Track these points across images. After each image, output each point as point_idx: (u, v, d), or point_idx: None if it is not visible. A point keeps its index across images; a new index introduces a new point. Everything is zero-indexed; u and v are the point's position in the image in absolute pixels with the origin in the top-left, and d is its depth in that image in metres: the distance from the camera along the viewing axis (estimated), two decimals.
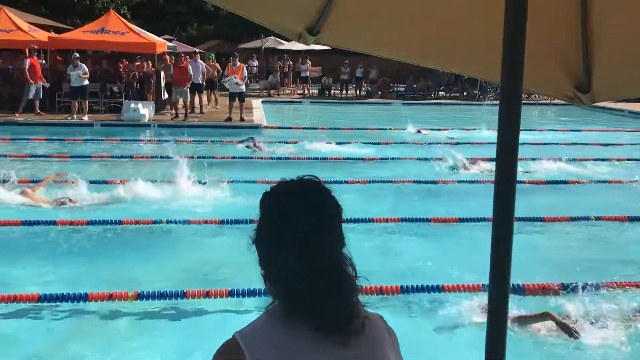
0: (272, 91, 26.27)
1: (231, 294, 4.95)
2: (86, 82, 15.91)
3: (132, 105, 15.61)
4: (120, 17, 19.27)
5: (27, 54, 15.99)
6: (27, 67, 15.87)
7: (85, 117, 15.84)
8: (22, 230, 6.65)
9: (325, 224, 1.24)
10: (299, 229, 1.21)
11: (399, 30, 2.10)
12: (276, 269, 1.23)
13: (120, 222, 6.85)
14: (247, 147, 12.38)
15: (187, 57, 18.49)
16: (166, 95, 18.68)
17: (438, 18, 2.03)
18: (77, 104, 15.84)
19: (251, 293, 4.93)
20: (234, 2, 2.21)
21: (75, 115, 15.84)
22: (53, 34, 19.13)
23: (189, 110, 17.06)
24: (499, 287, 1.58)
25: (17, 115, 15.62)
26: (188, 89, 16.75)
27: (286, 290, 1.20)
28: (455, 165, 10.37)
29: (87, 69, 15.89)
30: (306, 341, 1.17)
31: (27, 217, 6.86)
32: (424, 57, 2.25)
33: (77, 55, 16.23)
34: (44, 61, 18.58)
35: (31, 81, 15.94)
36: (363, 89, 27.00)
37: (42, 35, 18.43)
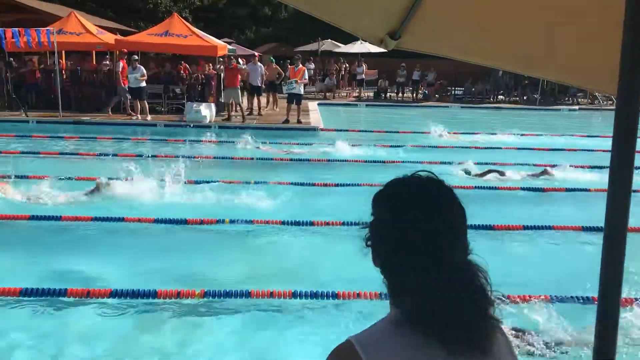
0: (327, 94, 26.36)
1: (294, 295, 5.00)
2: (143, 83, 16.41)
3: (194, 107, 16.00)
4: (183, 21, 19.79)
5: (119, 57, 16.59)
6: (119, 69, 16.52)
7: (149, 117, 16.35)
8: (96, 226, 6.90)
9: (456, 229, 1.14)
10: (427, 235, 1.11)
11: (488, 34, 2.06)
12: (400, 277, 1.13)
13: (185, 222, 7.01)
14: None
15: (245, 60, 18.81)
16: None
17: (531, 21, 1.98)
18: (137, 104, 16.41)
19: (314, 295, 4.97)
20: (317, 7, 2.22)
21: (139, 116, 16.37)
22: (119, 37, 19.83)
23: (245, 112, 17.34)
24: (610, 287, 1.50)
25: (109, 114, 16.37)
26: (239, 90, 17.08)
27: (412, 300, 1.10)
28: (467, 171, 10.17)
29: (144, 71, 16.38)
30: (430, 355, 1.08)
31: (99, 213, 7.12)
32: (516, 63, 2.20)
33: (136, 57, 16.76)
34: (107, 62, 19.30)
35: (123, 83, 16.60)
36: (420, 92, 26.75)
37: (109, 38, 19.13)
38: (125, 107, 16.95)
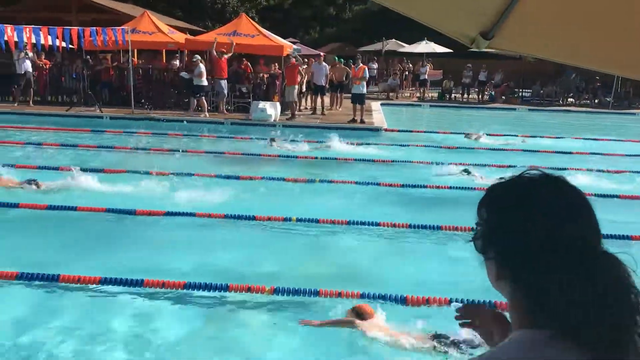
0: (391, 94, 26.20)
1: (362, 296, 4.99)
2: (204, 82, 16.79)
3: (260, 106, 16.24)
4: (251, 20, 20.14)
5: (218, 56, 17.01)
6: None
7: (206, 114, 16.75)
8: (166, 220, 7.12)
9: (597, 234, 1.03)
10: (576, 236, 1.00)
11: (590, 34, 1.99)
12: (546, 288, 0.99)
13: (253, 218, 7.13)
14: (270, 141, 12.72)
15: (312, 59, 18.95)
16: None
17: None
18: (202, 101, 16.83)
19: (383, 297, 4.95)
20: (410, 6, 2.20)
21: (207, 114, 16.78)
22: (189, 36, 20.38)
23: (309, 112, 17.49)
24: None
25: (205, 115, 16.83)
26: (295, 88, 17.28)
27: (558, 317, 0.97)
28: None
29: (203, 70, 16.70)
30: None
31: (170, 208, 7.35)
32: (622, 65, 2.12)
33: (198, 57, 17.20)
34: (177, 62, 19.85)
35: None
36: (486, 93, 26.19)
37: (180, 37, 19.69)
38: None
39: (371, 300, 4.91)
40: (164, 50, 21.82)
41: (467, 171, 9.99)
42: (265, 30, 19.61)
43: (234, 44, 17.14)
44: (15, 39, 14.39)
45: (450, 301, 4.76)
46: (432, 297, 4.92)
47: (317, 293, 5.00)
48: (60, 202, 7.41)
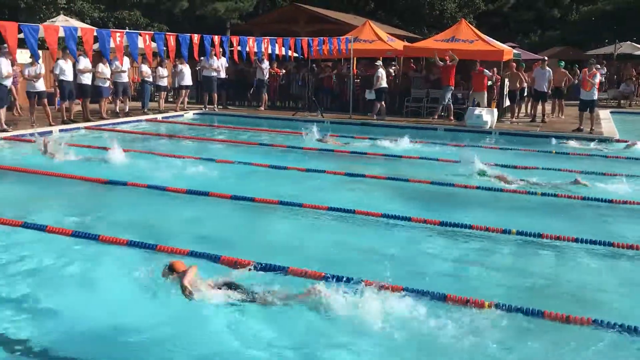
0: (622, 101, 23.71)
1: (595, 322, 4.59)
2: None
3: (476, 112, 15.88)
4: (471, 26, 19.79)
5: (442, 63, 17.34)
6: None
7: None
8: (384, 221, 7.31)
9: None
10: None
11: None
12: None
13: (470, 227, 6.98)
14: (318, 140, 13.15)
15: (536, 64, 17.97)
16: (507, 102, 18.51)
17: None
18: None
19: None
20: None
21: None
22: (407, 43, 20.72)
23: (527, 119, 16.59)
24: None
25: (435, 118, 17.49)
26: (484, 94, 16.86)
27: None
28: None
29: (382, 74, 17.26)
30: None
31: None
32: None
33: (379, 62, 17.60)
34: (392, 69, 20.23)
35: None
36: None
37: (399, 45, 20.12)
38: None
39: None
40: (380, 58, 22.48)
41: None
42: (484, 35, 19.11)
43: (449, 52, 17.03)
44: (255, 49, 16.02)
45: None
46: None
47: (541, 314, 4.72)
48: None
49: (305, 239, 6.75)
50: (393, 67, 20.07)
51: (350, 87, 18.28)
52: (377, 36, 20.01)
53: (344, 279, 5.08)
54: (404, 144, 12.77)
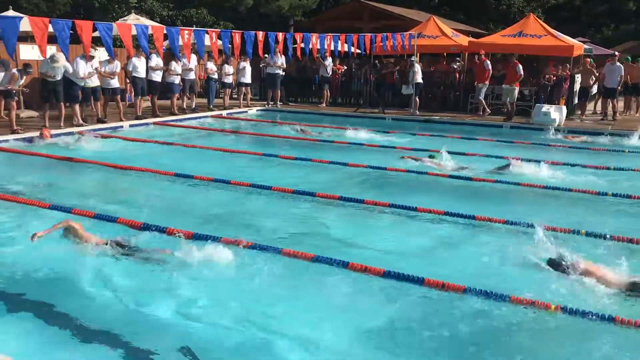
0: None
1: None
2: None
3: (544, 109, 15.42)
4: (539, 21, 19.21)
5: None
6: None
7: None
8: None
9: None
10: None
11: None
12: None
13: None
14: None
15: (608, 60, 17.25)
16: (576, 100, 17.90)
17: None
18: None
19: None
20: None
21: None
22: (472, 39, 20.33)
23: (599, 117, 15.99)
24: None
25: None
26: (515, 89, 16.43)
27: None
28: None
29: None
30: None
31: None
32: None
33: (414, 58, 17.56)
34: (456, 65, 19.91)
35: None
36: None
37: (463, 40, 19.78)
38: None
39: None
40: (445, 54, 22.16)
41: None
42: (554, 30, 18.50)
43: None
44: (318, 46, 16.12)
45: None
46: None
47: (612, 319, 4.57)
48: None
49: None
50: (457, 64, 19.75)
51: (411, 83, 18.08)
52: (441, 32, 19.74)
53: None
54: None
